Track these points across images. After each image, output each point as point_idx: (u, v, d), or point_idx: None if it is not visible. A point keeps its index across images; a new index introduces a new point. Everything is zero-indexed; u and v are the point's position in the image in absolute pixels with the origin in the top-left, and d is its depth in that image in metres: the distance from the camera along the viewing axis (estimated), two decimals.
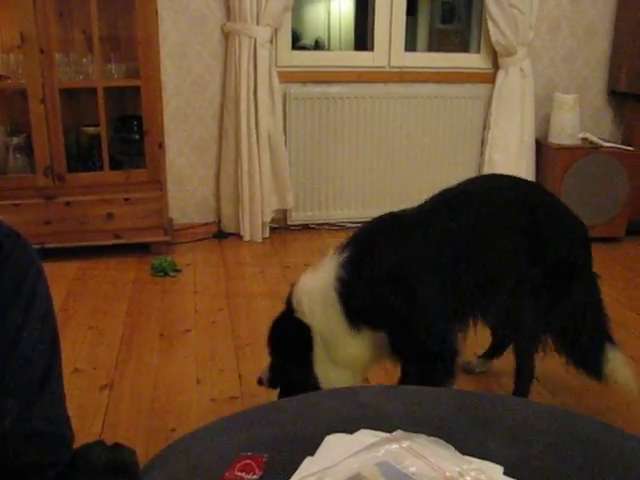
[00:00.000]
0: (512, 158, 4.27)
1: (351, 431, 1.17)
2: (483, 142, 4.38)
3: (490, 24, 4.21)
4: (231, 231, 4.18)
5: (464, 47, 4.76)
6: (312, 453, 1.08)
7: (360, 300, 1.91)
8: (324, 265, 1.98)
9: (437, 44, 6.40)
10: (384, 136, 4.28)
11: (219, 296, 3.34)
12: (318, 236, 4.20)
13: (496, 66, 4.35)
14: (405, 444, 1.09)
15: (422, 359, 2.01)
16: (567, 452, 1.24)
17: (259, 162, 3.99)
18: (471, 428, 1.32)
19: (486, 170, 4.34)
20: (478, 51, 4.45)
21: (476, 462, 1.12)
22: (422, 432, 1.16)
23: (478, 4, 4.40)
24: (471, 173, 4.40)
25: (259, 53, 3.88)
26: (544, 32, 4.44)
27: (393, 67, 4.29)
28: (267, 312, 3.09)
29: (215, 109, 4.08)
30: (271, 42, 3.96)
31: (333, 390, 1.59)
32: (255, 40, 3.86)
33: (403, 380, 2.14)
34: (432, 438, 1.13)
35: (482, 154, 4.39)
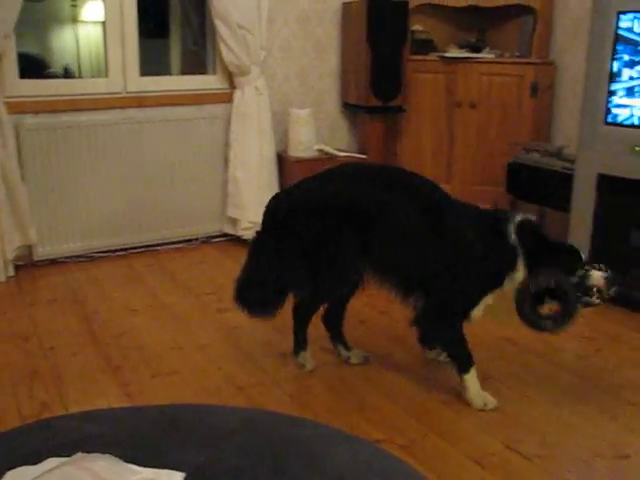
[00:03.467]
0: (254, 173, 4.40)
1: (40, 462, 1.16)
2: (226, 160, 4.47)
3: (222, 46, 4.31)
4: None
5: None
6: None
7: None
8: None
9: (190, 67, 6.43)
10: (129, 162, 4.24)
11: None
12: (67, 269, 4.08)
13: (233, 86, 4.46)
14: (80, 465, 1.09)
15: None
16: (256, 450, 1.29)
17: None
18: (162, 440, 1.34)
19: (230, 188, 4.43)
20: (215, 72, 4.54)
21: (147, 473, 1.15)
22: (116, 452, 1.17)
23: (212, 27, 4.50)
24: (217, 192, 4.49)
25: None
26: (276, 51, 4.63)
27: (130, 92, 4.27)
28: (10, 354, 2.98)
29: None
30: None
31: (24, 426, 1.56)
32: None
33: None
34: (106, 456, 1.15)
35: (226, 172, 4.47)
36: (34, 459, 1.17)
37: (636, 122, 3.37)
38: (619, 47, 3.37)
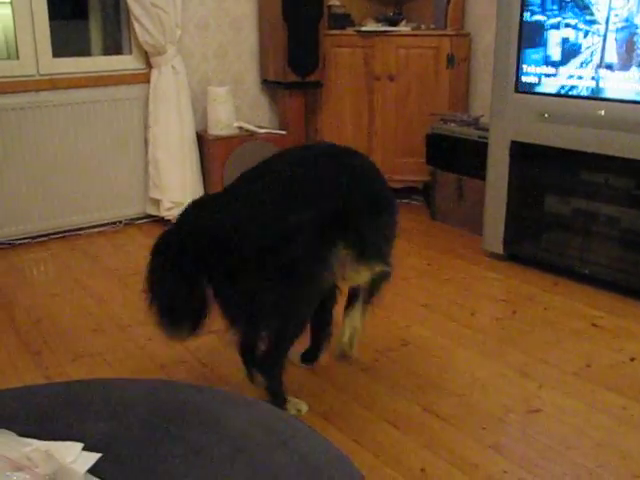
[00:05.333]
0: (175, 154, 4.37)
1: None
2: (146, 142, 4.43)
3: (136, 25, 4.26)
4: None
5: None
6: None
7: None
8: None
9: (110, 48, 6.32)
10: (46, 146, 4.16)
11: None
12: None
13: (149, 66, 4.41)
14: None
15: None
16: (162, 420, 1.31)
17: None
18: (66, 415, 1.35)
19: (151, 169, 4.40)
20: (130, 52, 4.48)
21: (41, 444, 1.15)
22: (16, 428, 1.17)
23: (126, 6, 4.42)
24: (139, 174, 4.45)
25: None
26: (192, 30, 4.59)
27: (43, 75, 4.18)
28: None
29: None
30: None
31: None
32: None
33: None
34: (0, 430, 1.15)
35: (147, 153, 4.44)
36: None
37: (545, 90, 3.46)
38: (526, 14, 3.45)
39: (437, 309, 3.24)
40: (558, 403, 2.46)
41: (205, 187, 4.53)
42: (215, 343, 2.89)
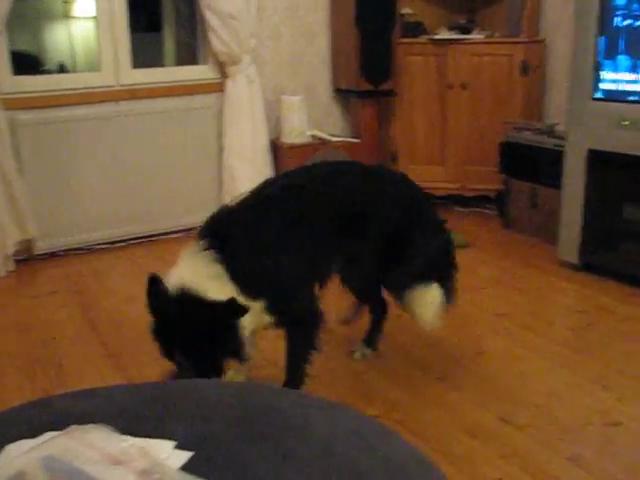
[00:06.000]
0: (248, 161, 4.44)
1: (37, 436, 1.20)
2: (221, 149, 4.51)
3: (212, 36, 4.35)
4: None
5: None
6: None
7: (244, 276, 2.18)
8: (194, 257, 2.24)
9: (184, 59, 6.47)
10: (124, 154, 4.29)
11: None
12: (67, 262, 4.13)
13: (224, 75, 4.50)
14: (74, 436, 1.14)
15: (294, 322, 2.37)
16: (250, 422, 1.34)
17: None
18: (156, 414, 1.39)
19: (226, 176, 4.48)
20: (206, 62, 4.58)
21: (137, 440, 1.19)
22: (110, 425, 1.21)
23: (202, 17, 4.52)
24: (213, 181, 4.53)
25: None
26: (266, 39, 4.66)
27: (123, 85, 4.31)
28: (12, 345, 3.04)
29: None
30: None
31: (25, 404, 1.60)
32: None
33: (287, 341, 2.45)
34: (98, 425, 1.19)
35: (221, 161, 4.52)
36: (32, 434, 1.21)
37: (624, 96, 3.40)
38: (606, 22, 3.40)
39: (512, 319, 3.21)
40: (639, 416, 2.41)
41: None
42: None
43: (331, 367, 2.79)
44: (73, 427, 1.20)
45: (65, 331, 3.18)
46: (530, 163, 4.26)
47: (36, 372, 2.80)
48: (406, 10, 4.89)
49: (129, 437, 1.20)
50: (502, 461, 2.18)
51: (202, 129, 4.48)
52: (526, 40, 4.62)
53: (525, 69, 4.57)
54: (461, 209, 4.96)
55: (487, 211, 4.89)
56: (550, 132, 4.25)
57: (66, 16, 6.03)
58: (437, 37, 4.75)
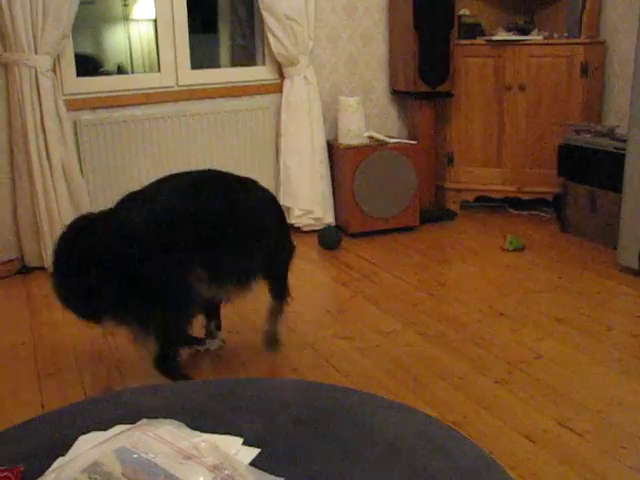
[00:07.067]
0: (306, 162, 4.46)
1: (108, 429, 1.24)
2: (277, 150, 4.55)
3: (270, 37, 4.39)
4: (36, 265, 4.10)
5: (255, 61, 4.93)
6: None
7: None
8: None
9: (239, 60, 6.53)
10: (183, 154, 4.35)
11: (22, 330, 3.30)
12: None
13: (282, 76, 4.53)
14: (145, 429, 1.17)
15: None
16: (316, 421, 1.35)
17: (55, 193, 3.95)
18: (222, 410, 1.41)
19: (283, 176, 4.51)
20: (264, 63, 4.62)
21: (207, 436, 1.22)
22: (178, 420, 1.24)
23: (260, 19, 4.57)
24: (270, 181, 4.56)
25: (41, 83, 3.84)
26: (324, 41, 4.68)
27: (182, 86, 4.38)
28: (74, 339, 3.12)
29: (2, 144, 3.99)
30: (54, 71, 3.94)
31: (94, 398, 1.64)
32: (35, 70, 3.82)
33: None
34: (169, 420, 1.22)
35: (278, 161, 4.56)
36: (102, 427, 1.25)
37: None
38: None
39: (570, 323, 3.17)
40: None
41: (335, 195, 4.60)
42: (347, 348, 2.94)
43: (386, 368, 2.80)
44: (144, 421, 1.22)
45: None
46: (590, 166, 4.20)
47: (97, 367, 2.86)
48: (464, 11, 4.87)
49: (198, 432, 1.22)
50: (563, 467, 2.15)
51: (259, 130, 4.52)
52: (586, 41, 4.55)
53: (585, 70, 4.51)
54: (516, 212, 4.92)
55: (543, 214, 4.84)
56: (611, 134, 4.18)
57: (125, 18, 6.13)
58: (495, 38, 4.71)
